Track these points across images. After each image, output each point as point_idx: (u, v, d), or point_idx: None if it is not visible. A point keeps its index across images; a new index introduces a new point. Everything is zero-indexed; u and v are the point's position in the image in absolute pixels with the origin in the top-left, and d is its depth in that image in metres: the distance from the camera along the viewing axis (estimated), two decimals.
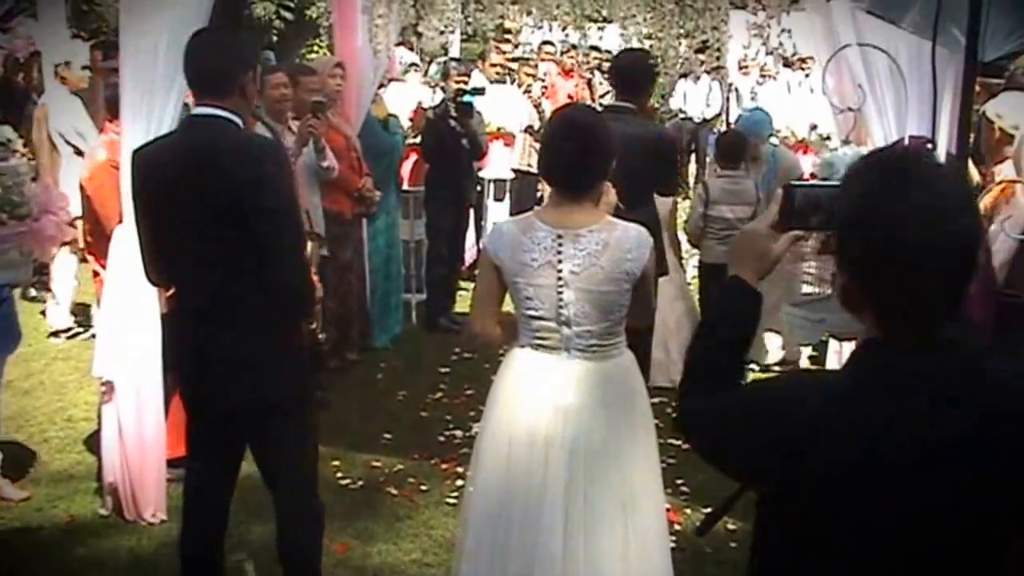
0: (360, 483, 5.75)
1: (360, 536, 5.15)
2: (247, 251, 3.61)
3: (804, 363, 7.84)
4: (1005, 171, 4.76)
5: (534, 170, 11.32)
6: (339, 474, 5.84)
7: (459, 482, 5.80)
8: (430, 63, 11.32)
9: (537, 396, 3.67)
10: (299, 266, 3.80)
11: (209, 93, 3.75)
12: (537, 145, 11.22)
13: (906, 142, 3.96)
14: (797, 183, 2.30)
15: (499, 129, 10.62)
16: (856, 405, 1.93)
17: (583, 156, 3.62)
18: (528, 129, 11.14)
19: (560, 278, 3.61)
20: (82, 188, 5.54)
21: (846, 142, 4.26)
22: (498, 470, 3.73)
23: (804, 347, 7.69)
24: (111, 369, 5.09)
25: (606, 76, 13.10)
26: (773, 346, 7.81)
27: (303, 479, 4.01)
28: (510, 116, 10.83)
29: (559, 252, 3.61)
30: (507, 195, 10.61)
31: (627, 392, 3.76)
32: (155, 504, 5.21)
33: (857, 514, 1.92)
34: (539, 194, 11.78)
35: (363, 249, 7.91)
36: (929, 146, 3.94)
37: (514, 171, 10.87)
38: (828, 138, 9.55)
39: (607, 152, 3.68)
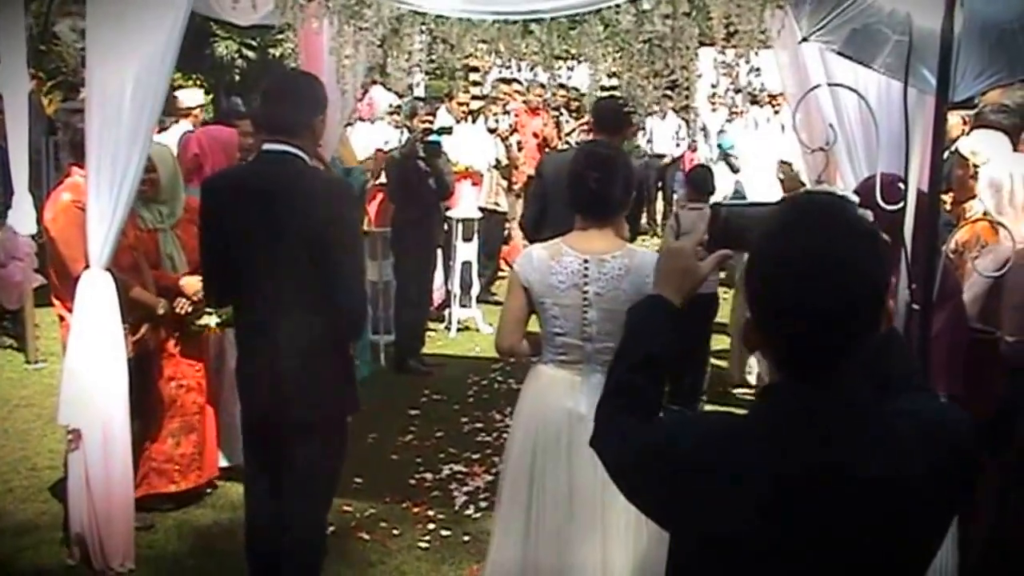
0: (331, 528, 5.65)
1: None
2: (315, 278, 3.97)
3: None
4: (976, 207, 4.79)
5: (501, 208, 11.32)
6: None
7: (431, 525, 5.76)
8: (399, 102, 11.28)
9: (560, 406, 3.97)
10: (361, 294, 4.33)
11: (283, 132, 4.09)
12: (504, 183, 11.26)
13: (878, 180, 3.96)
14: (725, 203, 2.30)
15: (467, 168, 10.59)
16: (745, 452, 1.89)
17: (607, 186, 4.00)
18: (496, 166, 11.13)
19: (585, 299, 3.96)
20: (46, 230, 5.44)
21: (819, 181, 4.27)
22: (525, 476, 4.05)
23: None
24: (77, 417, 4.99)
25: (573, 114, 13.21)
26: (764, 368, 7.72)
27: (330, 490, 4.49)
28: (478, 155, 10.81)
29: (585, 275, 3.96)
30: (475, 234, 10.53)
31: None
32: (123, 553, 5.12)
33: (749, 563, 1.88)
34: (506, 232, 11.77)
35: None
36: (901, 185, 3.94)
37: (481, 210, 10.80)
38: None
39: (628, 182, 4.06)
